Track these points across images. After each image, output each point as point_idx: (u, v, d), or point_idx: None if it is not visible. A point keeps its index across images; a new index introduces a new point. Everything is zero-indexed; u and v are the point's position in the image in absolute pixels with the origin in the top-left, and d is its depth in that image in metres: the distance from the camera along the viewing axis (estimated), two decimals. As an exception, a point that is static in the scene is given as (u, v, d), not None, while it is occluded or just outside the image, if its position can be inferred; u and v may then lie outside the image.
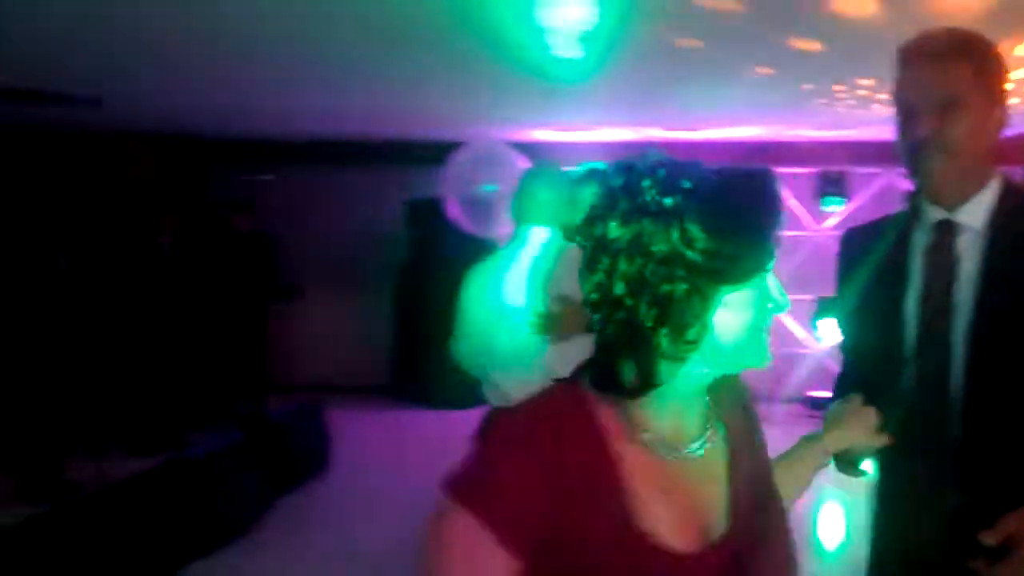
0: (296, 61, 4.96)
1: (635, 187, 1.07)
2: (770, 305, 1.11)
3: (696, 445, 1.17)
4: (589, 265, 1.10)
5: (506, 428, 1.14)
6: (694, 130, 7.50)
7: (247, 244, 7.45)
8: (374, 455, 6.63)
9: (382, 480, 5.99)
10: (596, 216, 1.09)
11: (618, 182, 1.09)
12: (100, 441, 4.82)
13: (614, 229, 1.07)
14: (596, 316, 1.11)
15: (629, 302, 1.07)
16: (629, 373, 1.10)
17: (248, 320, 7.21)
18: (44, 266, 5.29)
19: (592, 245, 1.09)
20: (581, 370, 1.16)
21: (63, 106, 6.15)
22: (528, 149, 4.73)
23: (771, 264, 1.11)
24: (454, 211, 3.83)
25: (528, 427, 1.10)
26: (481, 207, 3.72)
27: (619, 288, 1.07)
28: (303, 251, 8.92)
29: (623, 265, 1.06)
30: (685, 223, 1.05)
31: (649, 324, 1.07)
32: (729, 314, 1.09)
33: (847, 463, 1.62)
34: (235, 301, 7.11)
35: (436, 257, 7.84)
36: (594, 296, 1.09)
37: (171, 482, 4.41)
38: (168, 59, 4.96)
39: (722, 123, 7.20)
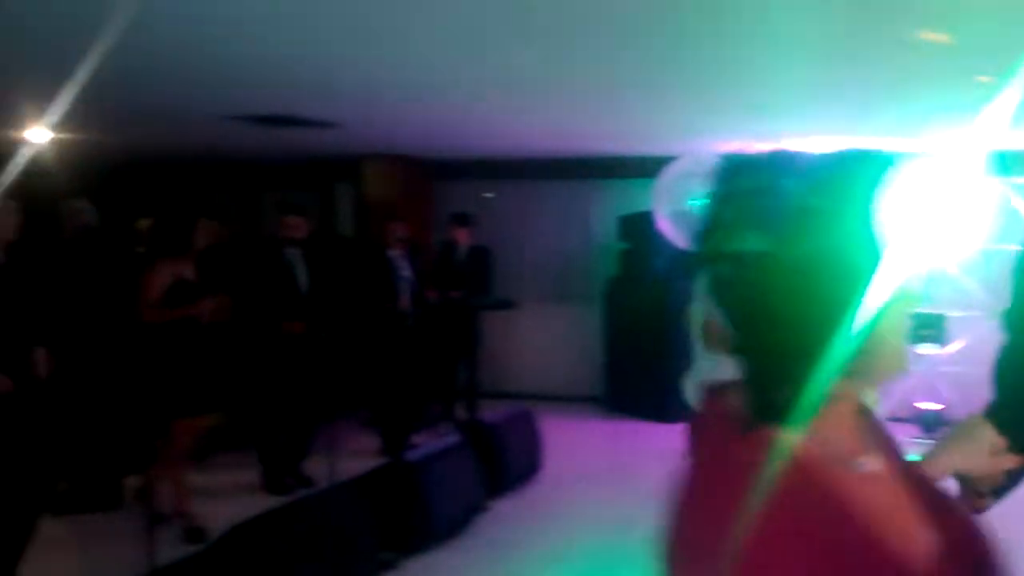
0: (525, 87, 5.21)
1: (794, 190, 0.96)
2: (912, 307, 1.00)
3: (866, 461, 1.03)
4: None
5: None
6: (925, 137, 7.08)
7: (467, 257, 7.82)
8: (584, 463, 6.74)
9: (592, 488, 6.09)
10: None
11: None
12: (333, 441, 5.22)
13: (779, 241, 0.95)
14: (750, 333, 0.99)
15: (792, 315, 0.95)
16: (793, 395, 0.97)
17: (465, 329, 7.51)
18: (287, 280, 5.77)
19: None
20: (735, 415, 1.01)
21: (306, 129, 6.72)
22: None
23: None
24: (665, 224, 3.85)
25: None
26: (692, 220, 3.72)
27: (782, 301, 0.96)
28: (519, 264, 9.25)
29: (788, 277, 0.95)
30: (856, 228, 0.94)
31: (813, 339, 0.95)
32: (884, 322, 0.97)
33: (971, 492, 1.40)
34: (454, 310, 7.46)
35: (647, 270, 7.88)
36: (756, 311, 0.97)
37: (392, 482, 4.70)
38: (408, 89, 5.34)
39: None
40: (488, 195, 9.40)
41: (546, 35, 3.97)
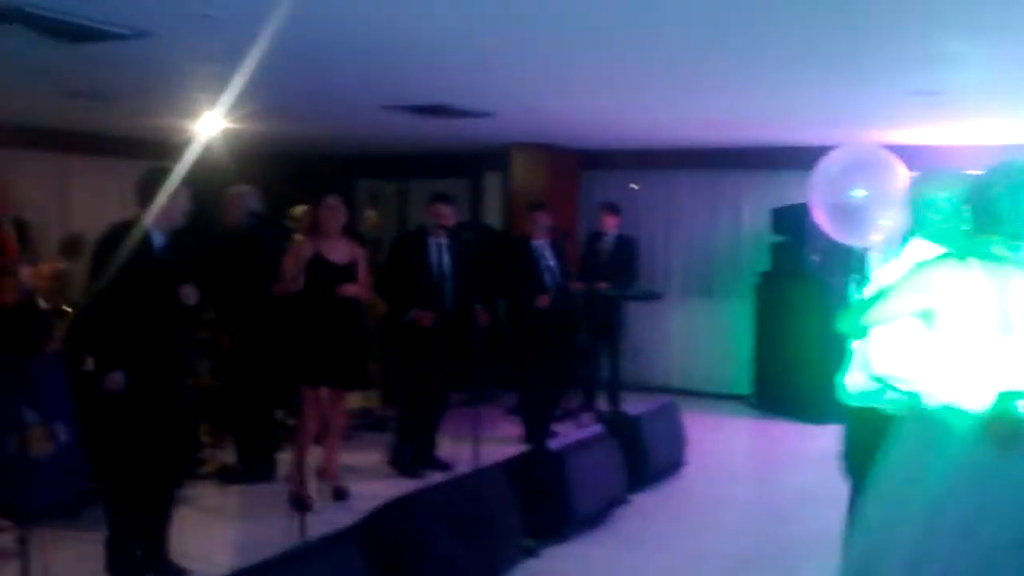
0: (680, 74, 5.14)
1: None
2: None
3: None
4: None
5: None
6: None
7: (614, 247, 7.78)
8: (729, 461, 6.60)
9: (736, 487, 5.96)
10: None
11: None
12: (477, 426, 5.30)
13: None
14: None
15: None
16: None
17: (609, 320, 7.47)
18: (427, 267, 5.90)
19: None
20: None
21: (460, 118, 6.83)
22: (907, 153, 4.42)
23: None
24: (821, 217, 3.69)
25: None
26: (849, 214, 3.55)
27: None
28: (666, 255, 9.12)
29: None
30: None
31: None
32: None
33: None
34: (599, 301, 7.43)
35: (800, 264, 7.61)
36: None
37: (535, 469, 4.73)
38: (562, 78, 5.37)
39: None
40: (634, 186, 9.31)
41: (701, 19, 3.87)
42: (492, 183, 9.90)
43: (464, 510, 3.98)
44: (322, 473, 5.45)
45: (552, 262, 6.72)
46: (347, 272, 5.24)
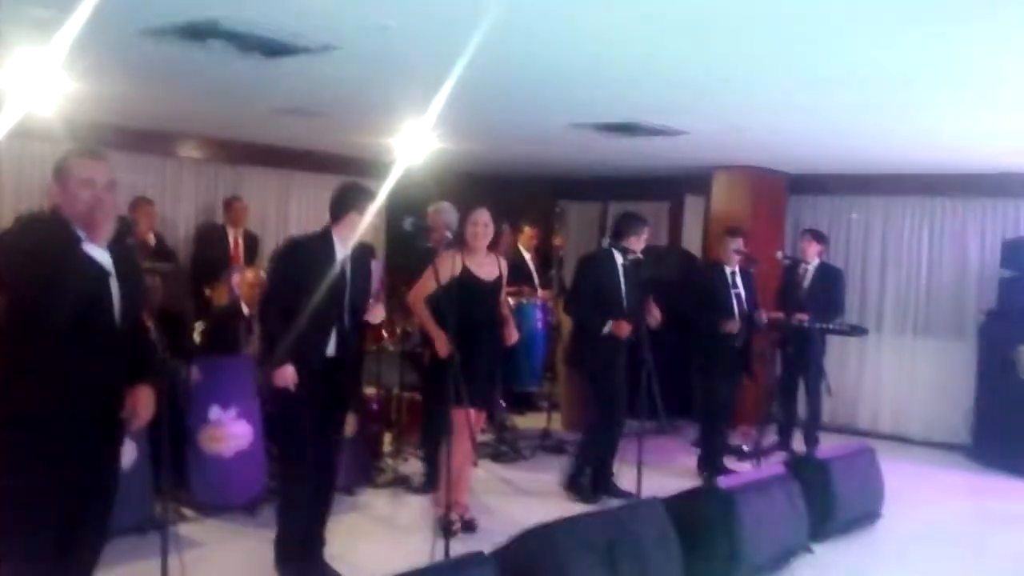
0: (903, 89, 4.72)
1: None
2: None
3: None
4: None
5: None
6: None
7: (815, 276, 7.30)
8: (934, 518, 5.92)
9: (935, 545, 5.33)
10: None
11: None
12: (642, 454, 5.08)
13: None
14: None
15: None
16: None
17: (808, 355, 6.98)
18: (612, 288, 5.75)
19: None
20: None
21: (650, 136, 6.65)
22: None
23: None
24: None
25: None
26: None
27: None
28: (880, 289, 8.47)
29: None
30: None
31: None
32: None
33: None
34: (795, 333, 6.98)
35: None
36: None
37: (702, 506, 4.44)
38: (761, 95, 5.09)
39: None
40: (855, 215, 8.70)
41: (933, 19, 3.47)
42: (693, 206, 9.61)
43: (614, 543, 3.77)
44: (456, 506, 4.98)
45: (742, 290, 6.36)
46: (494, 289, 5.07)
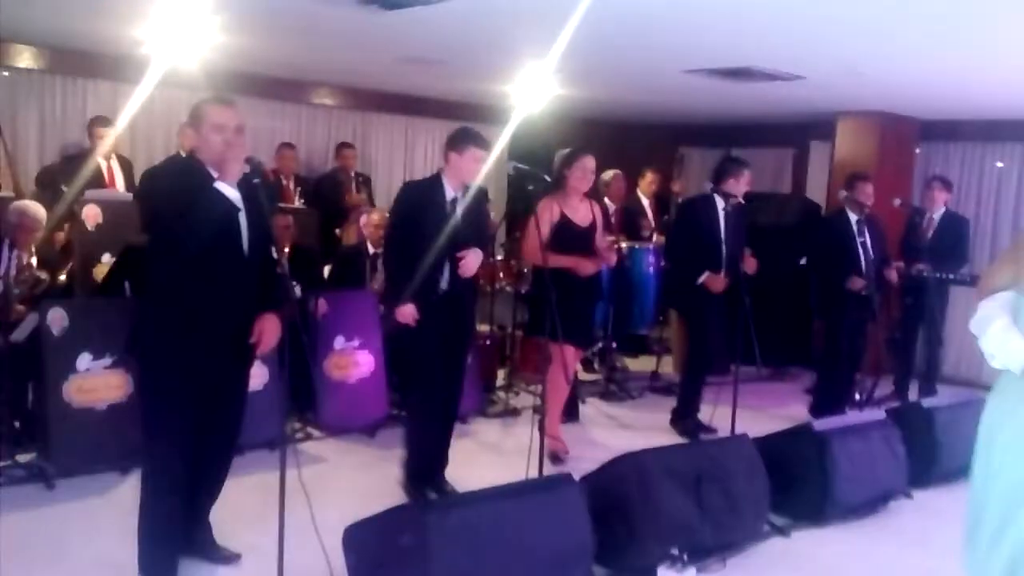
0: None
1: None
2: None
3: None
4: None
5: None
6: None
7: (940, 225, 7.11)
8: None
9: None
10: None
11: None
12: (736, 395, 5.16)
13: None
14: None
15: None
16: None
17: (927, 305, 6.83)
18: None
19: None
20: None
21: (767, 82, 6.59)
22: None
23: None
24: None
25: None
26: None
27: None
28: (1008, 234, 8.14)
29: None
30: None
31: None
32: None
33: None
34: (915, 283, 6.85)
35: None
36: None
37: (796, 447, 4.55)
38: (888, 42, 5.02)
39: None
40: (999, 164, 8.36)
41: None
42: (818, 153, 9.41)
43: (704, 475, 3.93)
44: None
45: (868, 239, 6.24)
46: (590, 234, 5.21)
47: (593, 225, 5.25)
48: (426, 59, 6.56)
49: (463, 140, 4.41)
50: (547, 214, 5.04)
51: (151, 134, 7.63)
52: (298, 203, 7.59)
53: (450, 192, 4.42)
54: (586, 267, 5.11)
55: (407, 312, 4.31)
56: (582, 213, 5.22)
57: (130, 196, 5.98)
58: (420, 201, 4.41)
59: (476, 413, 6.13)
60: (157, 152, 7.34)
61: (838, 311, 6.31)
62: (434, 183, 4.47)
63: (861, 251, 6.26)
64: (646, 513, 3.68)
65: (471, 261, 4.38)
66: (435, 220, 4.34)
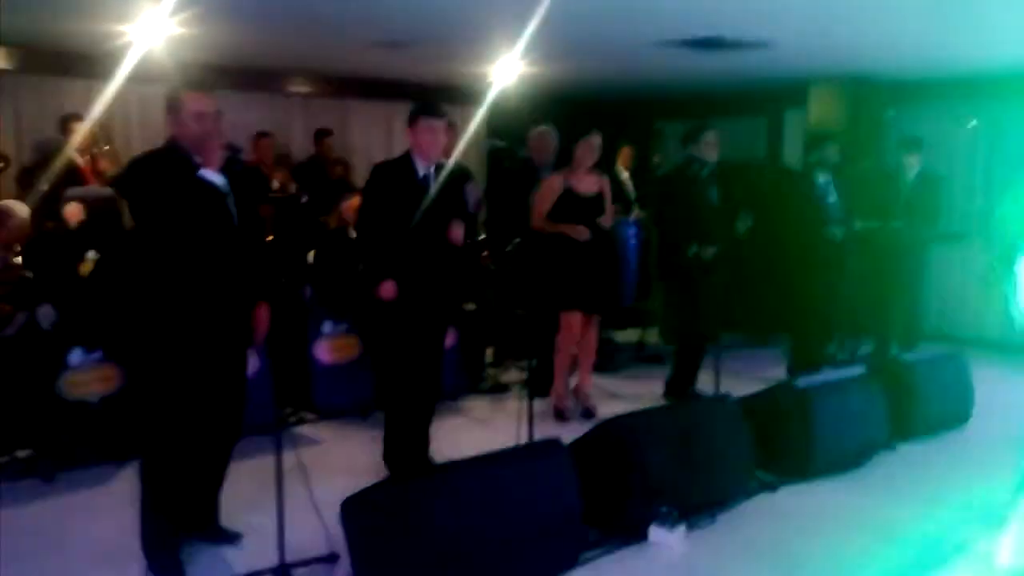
0: None
1: None
2: None
3: None
4: None
5: None
6: None
7: (915, 184, 7.21)
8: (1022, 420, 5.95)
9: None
10: None
11: None
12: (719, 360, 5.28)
13: None
14: None
15: None
16: None
17: (901, 262, 6.96)
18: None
19: None
20: None
21: (739, 51, 6.67)
22: None
23: None
24: None
25: None
26: None
27: None
28: (985, 193, 8.27)
29: None
30: None
31: None
32: None
33: None
34: (902, 240, 6.97)
35: None
36: None
37: (779, 405, 4.66)
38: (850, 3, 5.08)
39: None
40: (972, 123, 8.47)
41: None
42: (793, 121, 9.51)
43: (689, 435, 4.04)
44: (576, 393, 5.79)
45: (834, 198, 6.38)
46: (595, 202, 5.51)
47: (600, 194, 5.58)
48: (401, 42, 6.60)
49: (414, 114, 4.43)
50: (549, 188, 5.52)
51: (128, 133, 7.65)
52: (292, 187, 7.65)
53: (420, 169, 4.44)
54: (578, 232, 5.40)
55: (388, 288, 4.36)
56: (587, 183, 5.53)
57: (110, 191, 6.01)
58: (390, 180, 4.43)
59: (466, 391, 6.21)
60: (134, 149, 7.35)
61: (806, 271, 6.45)
62: (403, 162, 4.48)
63: (830, 209, 6.40)
64: (635, 473, 3.78)
65: (457, 231, 4.48)
66: (407, 198, 4.38)
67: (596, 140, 5.56)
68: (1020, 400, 6.47)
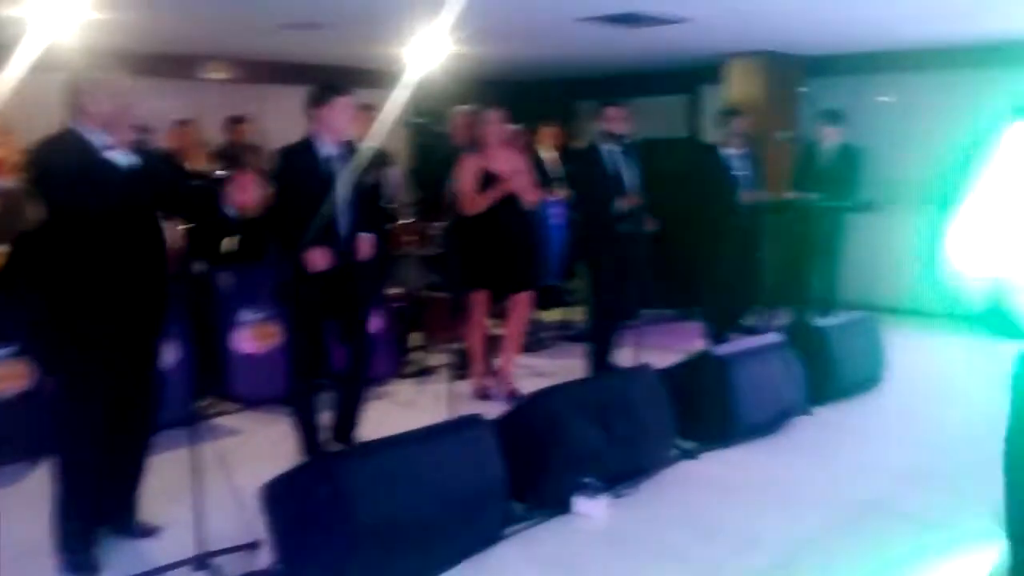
0: None
1: None
2: None
3: None
4: None
5: None
6: None
7: (835, 157, 7.40)
8: (936, 380, 6.17)
9: (932, 405, 5.58)
10: None
11: None
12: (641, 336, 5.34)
13: None
14: None
15: None
16: None
17: (821, 233, 7.13)
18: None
19: None
20: None
21: (654, 26, 6.71)
22: None
23: None
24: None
25: None
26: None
27: None
28: (902, 166, 8.49)
29: None
30: None
31: None
32: None
33: None
34: (818, 211, 7.12)
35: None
36: None
37: (697, 373, 4.74)
38: None
39: None
40: (884, 98, 8.69)
41: None
42: (711, 97, 9.64)
43: (609, 406, 4.09)
44: (497, 374, 5.79)
45: (745, 172, 6.51)
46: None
47: (518, 171, 5.48)
48: (315, 23, 6.50)
49: (327, 93, 4.34)
50: (468, 169, 5.42)
51: (31, 124, 7.36)
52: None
53: (325, 150, 4.36)
54: (514, 185, 5.35)
55: (317, 256, 4.22)
56: (502, 161, 5.45)
57: (14, 183, 5.80)
58: (295, 164, 4.35)
59: (391, 375, 6.18)
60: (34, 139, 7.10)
61: (714, 244, 6.60)
62: (306, 144, 4.38)
63: (741, 182, 6.56)
64: (556, 446, 3.82)
65: (364, 247, 4.41)
66: (314, 180, 4.30)
67: (492, 116, 5.49)
68: (929, 361, 6.70)
